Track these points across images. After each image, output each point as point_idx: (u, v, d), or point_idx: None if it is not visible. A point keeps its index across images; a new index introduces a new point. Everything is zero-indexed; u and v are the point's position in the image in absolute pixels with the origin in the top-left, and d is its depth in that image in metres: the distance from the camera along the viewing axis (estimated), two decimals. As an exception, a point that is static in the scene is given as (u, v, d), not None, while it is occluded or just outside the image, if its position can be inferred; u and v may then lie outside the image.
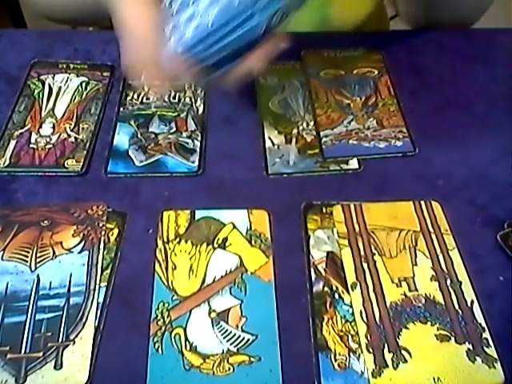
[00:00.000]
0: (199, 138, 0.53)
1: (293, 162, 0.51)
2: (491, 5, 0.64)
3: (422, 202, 0.48)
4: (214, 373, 0.38)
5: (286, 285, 0.43)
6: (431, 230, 0.46)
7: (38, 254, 0.44)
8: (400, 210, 0.47)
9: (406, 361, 0.39)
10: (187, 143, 0.53)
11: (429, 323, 0.40)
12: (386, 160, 0.52)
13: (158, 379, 0.38)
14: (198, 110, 0.56)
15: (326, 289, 0.42)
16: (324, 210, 0.47)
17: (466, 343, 0.39)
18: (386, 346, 0.39)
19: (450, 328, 0.40)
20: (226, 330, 0.40)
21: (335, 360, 0.39)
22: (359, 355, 0.39)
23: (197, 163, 0.51)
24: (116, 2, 0.44)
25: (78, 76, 0.59)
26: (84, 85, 0.58)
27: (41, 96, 0.57)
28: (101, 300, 0.42)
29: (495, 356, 0.39)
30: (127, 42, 0.44)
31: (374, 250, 0.45)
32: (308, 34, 0.66)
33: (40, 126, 0.54)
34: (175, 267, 0.43)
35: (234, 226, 0.46)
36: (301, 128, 0.54)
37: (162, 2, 0.43)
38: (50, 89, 0.58)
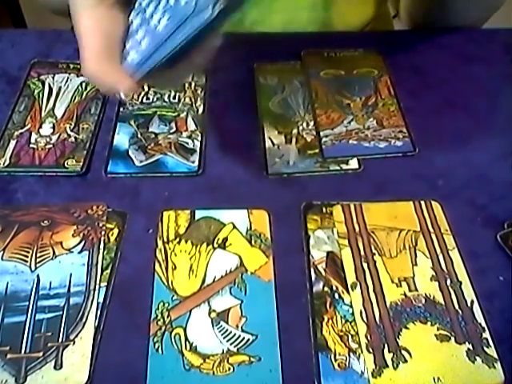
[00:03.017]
0: (199, 138, 0.53)
1: (293, 161, 0.51)
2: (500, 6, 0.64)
3: (422, 202, 0.48)
4: (214, 373, 0.38)
5: (286, 285, 0.43)
6: (431, 230, 0.46)
7: (38, 254, 0.44)
8: (400, 210, 0.47)
9: (406, 361, 0.38)
10: (187, 143, 0.53)
11: (429, 323, 0.40)
12: (386, 160, 0.52)
13: (158, 379, 0.38)
14: (197, 110, 0.56)
15: (326, 289, 0.42)
16: (324, 209, 0.47)
17: (466, 343, 0.39)
18: (385, 345, 0.39)
19: (450, 328, 0.40)
20: (226, 330, 0.40)
21: (335, 360, 0.39)
22: (359, 355, 0.39)
23: (197, 163, 0.51)
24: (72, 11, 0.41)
25: (78, 76, 0.59)
26: (84, 85, 0.58)
27: (41, 96, 0.57)
28: (101, 300, 0.42)
29: (495, 356, 0.39)
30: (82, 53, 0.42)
31: (374, 250, 0.45)
32: (308, 34, 0.66)
33: (40, 126, 0.54)
34: (175, 267, 0.43)
35: (234, 226, 0.46)
36: (301, 128, 0.54)
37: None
38: (50, 89, 0.58)
